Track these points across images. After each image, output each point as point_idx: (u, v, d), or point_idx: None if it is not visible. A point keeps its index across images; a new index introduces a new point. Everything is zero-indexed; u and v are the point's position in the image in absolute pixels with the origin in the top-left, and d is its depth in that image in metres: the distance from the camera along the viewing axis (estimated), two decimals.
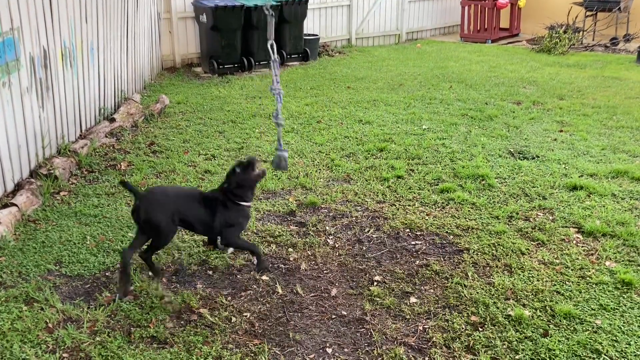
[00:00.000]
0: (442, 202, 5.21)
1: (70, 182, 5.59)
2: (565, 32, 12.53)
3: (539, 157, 6.22)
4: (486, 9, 13.71)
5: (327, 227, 4.78)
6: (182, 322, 3.59)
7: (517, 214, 4.96)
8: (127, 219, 4.86)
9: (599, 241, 4.51)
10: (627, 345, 3.37)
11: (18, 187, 5.11)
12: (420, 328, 3.55)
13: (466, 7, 14.01)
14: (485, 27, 13.88)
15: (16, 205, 4.76)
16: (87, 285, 3.97)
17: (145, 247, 3.92)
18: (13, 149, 5.08)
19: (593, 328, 3.51)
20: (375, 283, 4.01)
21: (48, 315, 3.60)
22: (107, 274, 4.10)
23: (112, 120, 7.09)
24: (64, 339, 3.40)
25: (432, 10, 14.81)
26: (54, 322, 3.56)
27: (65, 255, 4.30)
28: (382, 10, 13.70)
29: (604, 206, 5.06)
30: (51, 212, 4.96)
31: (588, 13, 13.20)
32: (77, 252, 4.34)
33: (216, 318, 3.62)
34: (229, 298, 3.84)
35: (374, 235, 4.66)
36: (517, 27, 14.51)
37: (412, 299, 3.83)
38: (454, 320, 3.60)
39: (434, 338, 3.45)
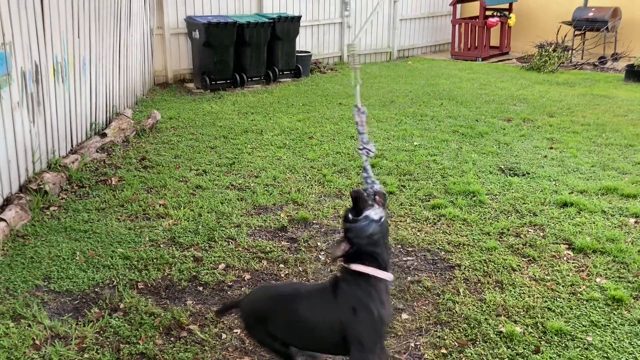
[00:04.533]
0: (434, 218, 5.22)
1: (60, 197, 5.55)
2: (554, 50, 12.69)
3: (529, 173, 6.26)
4: (477, 27, 13.87)
5: (319, 243, 4.77)
6: (171, 338, 3.56)
7: (508, 230, 4.97)
8: (117, 234, 4.83)
9: (590, 258, 4.53)
10: None
11: (7, 202, 5.07)
12: (412, 344, 3.54)
13: (457, 26, 14.16)
14: (476, 45, 14.02)
15: (5, 220, 4.71)
16: (75, 301, 3.93)
17: None
18: (3, 164, 5.05)
19: (584, 345, 3.51)
20: None
21: (35, 332, 3.55)
22: (96, 289, 4.06)
23: (104, 135, 7.07)
24: (51, 356, 3.35)
25: (423, 28, 14.97)
26: (42, 339, 3.51)
27: (54, 271, 4.25)
28: (374, 28, 13.82)
29: (594, 223, 5.08)
30: (40, 227, 4.92)
31: (577, 32, 13.38)
32: (66, 268, 4.30)
33: (206, 334, 3.59)
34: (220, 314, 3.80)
35: None
36: (507, 46, 14.67)
37: (404, 315, 3.81)
38: (446, 337, 3.59)
39: (426, 355, 3.43)
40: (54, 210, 5.26)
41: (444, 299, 3.99)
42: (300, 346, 2.90)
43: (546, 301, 3.95)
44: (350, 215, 2.71)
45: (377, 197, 2.79)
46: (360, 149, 2.98)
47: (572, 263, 4.46)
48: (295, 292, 2.96)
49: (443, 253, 4.61)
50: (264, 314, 2.88)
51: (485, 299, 3.97)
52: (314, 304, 2.83)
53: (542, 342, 3.53)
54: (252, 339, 3.18)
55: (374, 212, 2.69)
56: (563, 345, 3.51)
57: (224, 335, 3.58)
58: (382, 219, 2.70)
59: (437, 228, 5.04)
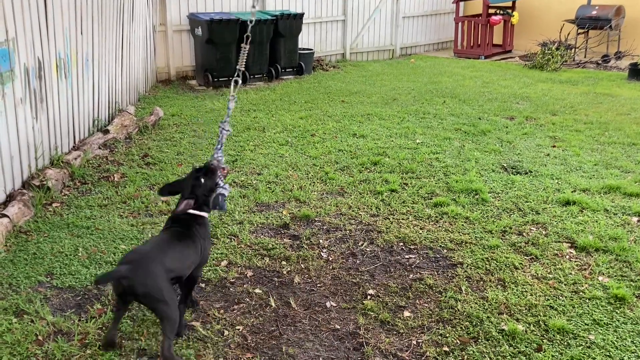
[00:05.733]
0: (436, 216, 5.21)
1: (62, 194, 5.56)
2: (557, 49, 12.66)
3: (532, 172, 6.25)
4: (479, 25, 13.84)
5: (321, 241, 4.77)
6: None
7: (511, 228, 4.97)
8: (119, 230, 4.83)
9: (592, 256, 4.52)
10: None
11: (10, 198, 5.07)
12: (414, 342, 3.54)
13: (460, 23, 14.14)
14: (479, 43, 14.00)
15: (7, 216, 4.72)
16: (78, 298, 3.93)
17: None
18: (6, 160, 5.05)
19: (586, 343, 3.51)
20: (368, 297, 4.00)
21: (38, 328, 3.56)
22: (98, 286, 4.06)
23: (106, 131, 7.07)
24: (54, 352, 3.36)
25: (426, 25, 14.94)
26: (44, 335, 3.52)
27: (56, 267, 4.26)
28: (377, 26, 13.80)
29: (596, 221, 5.08)
30: (43, 223, 4.93)
31: (580, 30, 13.34)
32: (69, 264, 4.30)
33: (208, 331, 3.59)
34: (222, 311, 3.81)
35: (367, 249, 4.66)
36: (510, 44, 14.64)
37: (406, 313, 3.81)
38: (448, 335, 3.59)
39: (428, 352, 3.44)
40: (56, 207, 5.27)
41: (446, 296, 3.99)
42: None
43: (548, 299, 3.95)
44: (202, 178, 3.63)
45: (224, 169, 3.85)
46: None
47: (575, 261, 4.45)
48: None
49: (445, 251, 4.61)
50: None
51: (487, 297, 3.97)
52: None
53: (545, 341, 3.53)
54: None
55: (224, 189, 3.77)
56: (565, 343, 3.51)
57: (226, 332, 3.59)
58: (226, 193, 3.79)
59: (440, 226, 5.04)
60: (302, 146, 7.11)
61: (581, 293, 4.02)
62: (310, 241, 4.76)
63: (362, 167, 6.39)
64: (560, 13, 13.76)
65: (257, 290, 4.04)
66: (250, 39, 4.29)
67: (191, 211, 3.57)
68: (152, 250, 3.33)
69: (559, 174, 6.18)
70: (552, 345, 3.49)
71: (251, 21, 4.34)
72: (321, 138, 7.42)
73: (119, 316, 3.40)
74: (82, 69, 6.78)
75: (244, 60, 4.34)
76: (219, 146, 3.96)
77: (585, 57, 13.49)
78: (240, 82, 4.19)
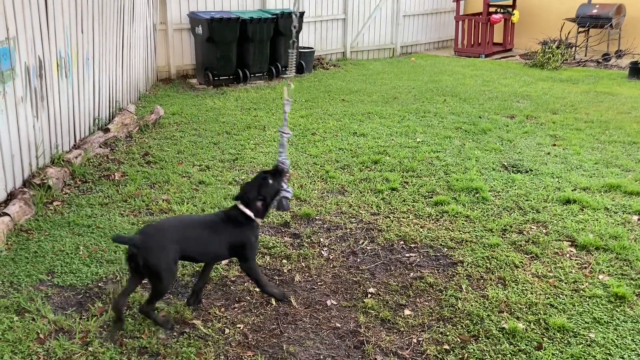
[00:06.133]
0: (436, 215, 5.22)
1: (63, 192, 5.57)
2: (558, 47, 12.66)
3: (532, 170, 6.25)
4: (480, 23, 13.83)
5: (322, 239, 4.78)
6: (174, 333, 3.57)
7: (511, 227, 4.97)
8: (120, 229, 4.84)
9: (592, 255, 4.53)
10: (621, 359, 3.37)
11: (11, 196, 5.08)
12: (415, 340, 3.54)
13: (460, 22, 14.13)
14: (479, 41, 13.99)
15: (9, 214, 4.73)
16: (79, 296, 3.94)
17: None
18: (7, 158, 5.06)
19: (587, 341, 3.51)
20: (369, 295, 4.01)
21: (39, 326, 3.57)
22: (99, 284, 4.07)
23: (107, 130, 7.08)
24: (55, 350, 3.37)
25: (427, 24, 14.94)
26: (46, 333, 3.52)
27: (57, 266, 4.27)
28: (377, 24, 13.80)
29: (597, 220, 5.08)
30: (44, 222, 4.93)
31: (580, 29, 13.34)
32: (70, 263, 4.31)
33: (209, 329, 3.60)
34: (223, 309, 3.82)
35: (368, 247, 4.66)
36: (511, 42, 14.64)
37: (406, 312, 3.82)
38: (448, 333, 3.59)
39: (428, 351, 3.44)
40: (57, 205, 5.27)
41: (446, 295, 3.99)
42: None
43: (549, 298, 3.95)
44: (270, 180, 3.71)
45: (287, 174, 3.96)
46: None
47: (575, 260, 4.46)
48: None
49: (446, 249, 4.62)
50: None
51: (487, 296, 3.98)
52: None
53: (545, 339, 3.53)
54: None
55: (288, 192, 3.86)
56: (565, 341, 3.51)
57: (227, 330, 3.60)
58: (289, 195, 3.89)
59: (440, 224, 5.04)
60: (302, 145, 7.11)
61: (581, 291, 4.03)
62: (311, 240, 4.76)
63: (363, 166, 6.40)
64: (560, 11, 13.76)
65: (257, 289, 4.05)
66: (296, 44, 4.28)
67: (243, 209, 3.66)
68: (168, 227, 3.55)
69: (560, 172, 6.18)
70: (552, 343, 3.50)
71: (297, 14, 4.55)
72: (322, 137, 7.43)
73: (131, 284, 3.53)
74: (83, 67, 6.79)
75: (294, 65, 4.43)
76: (282, 149, 4.09)
77: (585, 55, 13.48)
78: (292, 86, 4.19)
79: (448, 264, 4.41)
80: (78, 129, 6.75)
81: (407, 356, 3.41)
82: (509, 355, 3.40)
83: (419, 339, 3.55)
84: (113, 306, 3.53)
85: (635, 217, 5.13)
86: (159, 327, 3.56)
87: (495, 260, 4.44)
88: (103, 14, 7.34)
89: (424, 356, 3.41)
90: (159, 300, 3.53)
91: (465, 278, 4.21)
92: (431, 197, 5.57)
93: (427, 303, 3.92)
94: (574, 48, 13.26)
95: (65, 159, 5.98)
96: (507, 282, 4.14)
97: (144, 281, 3.64)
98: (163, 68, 10.76)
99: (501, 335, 3.57)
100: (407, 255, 4.55)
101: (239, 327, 3.63)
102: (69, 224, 4.92)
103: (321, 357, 3.40)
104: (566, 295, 3.98)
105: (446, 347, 3.47)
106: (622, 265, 4.36)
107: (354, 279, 4.21)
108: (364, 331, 3.62)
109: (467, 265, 4.38)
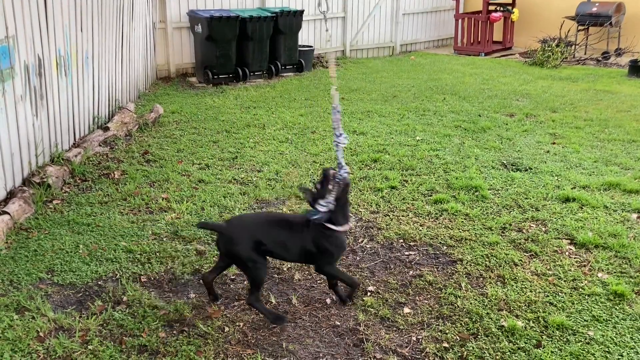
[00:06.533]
0: (436, 213, 5.22)
1: (63, 191, 5.57)
2: (557, 45, 12.65)
3: (531, 168, 6.25)
4: (480, 22, 13.83)
5: None
6: (174, 331, 3.57)
7: (510, 225, 4.98)
8: (120, 227, 4.84)
9: (592, 253, 4.53)
10: (620, 357, 3.38)
11: (10, 195, 5.08)
12: (414, 338, 3.55)
13: (460, 20, 14.13)
14: (479, 40, 13.99)
15: (8, 213, 4.73)
16: (79, 294, 3.95)
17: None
18: (6, 157, 5.06)
19: (586, 339, 3.52)
20: (368, 293, 4.01)
21: (39, 324, 3.57)
22: (99, 282, 4.08)
23: (106, 129, 7.08)
24: (55, 348, 3.37)
25: (426, 22, 14.93)
26: (45, 331, 3.53)
27: (57, 264, 4.27)
28: (377, 23, 13.79)
29: (596, 218, 5.09)
30: (44, 220, 4.94)
31: (580, 27, 13.34)
32: (70, 261, 4.32)
33: (209, 327, 3.60)
34: (222, 307, 3.82)
35: (367, 246, 4.67)
36: (510, 41, 14.63)
37: (406, 310, 3.82)
38: (448, 331, 3.60)
39: (427, 349, 3.45)
40: (57, 204, 5.28)
41: (446, 293, 4.00)
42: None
43: (548, 296, 3.96)
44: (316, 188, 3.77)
45: (339, 182, 3.73)
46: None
47: (574, 258, 4.46)
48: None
49: (445, 248, 4.62)
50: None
51: (487, 294, 3.98)
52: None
53: (544, 337, 3.54)
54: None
55: (324, 205, 3.68)
56: (564, 339, 3.52)
57: (226, 329, 3.60)
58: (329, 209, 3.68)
59: (439, 223, 5.05)
60: (302, 143, 7.11)
61: (580, 289, 4.03)
62: None
63: (362, 164, 6.40)
64: (560, 10, 13.75)
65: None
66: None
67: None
68: (251, 222, 3.83)
69: (559, 170, 6.19)
70: (551, 341, 3.50)
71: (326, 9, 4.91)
72: (321, 135, 7.43)
73: (220, 262, 3.82)
74: (82, 66, 6.79)
75: (334, 72, 4.48)
76: (340, 160, 3.90)
77: (585, 54, 13.48)
78: (337, 93, 4.04)
79: (447, 262, 4.42)
80: (78, 127, 6.75)
81: (407, 354, 3.41)
82: (508, 353, 3.41)
83: (419, 337, 3.56)
84: (203, 279, 3.84)
85: (634, 215, 5.14)
86: (267, 318, 3.66)
87: (495, 258, 4.45)
88: (102, 13, 7.34)
89: (423, 354, 3.41)
90: (257, 290, 3.62)
91: (464, 276, 4.21)
92: (430, 196, 5.58)
93: (426, 301, 3.92)
94: (573, 46, 13.26)
95: (64, 158, 5.98)
96: (506, 280, 4.15)
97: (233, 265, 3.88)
98: (162, 66, 10.76)
99: (500, 333, 3.58)
100: (406, 253, 4.56)
101: (239, 326, 3.64)
102: (68, 223, 4.92)
103: (320, 355, 3.41)
104: (565, 293, 3.99)
105: (445, 345, 3.48)
106: (621, 263, 4.36)
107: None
108: (364, 329, 3.63)
109: (467, 263, 4.38)
